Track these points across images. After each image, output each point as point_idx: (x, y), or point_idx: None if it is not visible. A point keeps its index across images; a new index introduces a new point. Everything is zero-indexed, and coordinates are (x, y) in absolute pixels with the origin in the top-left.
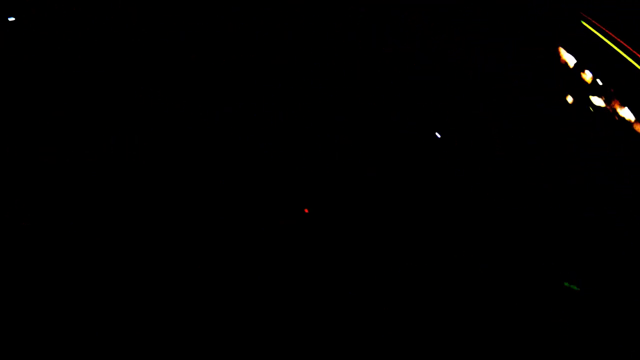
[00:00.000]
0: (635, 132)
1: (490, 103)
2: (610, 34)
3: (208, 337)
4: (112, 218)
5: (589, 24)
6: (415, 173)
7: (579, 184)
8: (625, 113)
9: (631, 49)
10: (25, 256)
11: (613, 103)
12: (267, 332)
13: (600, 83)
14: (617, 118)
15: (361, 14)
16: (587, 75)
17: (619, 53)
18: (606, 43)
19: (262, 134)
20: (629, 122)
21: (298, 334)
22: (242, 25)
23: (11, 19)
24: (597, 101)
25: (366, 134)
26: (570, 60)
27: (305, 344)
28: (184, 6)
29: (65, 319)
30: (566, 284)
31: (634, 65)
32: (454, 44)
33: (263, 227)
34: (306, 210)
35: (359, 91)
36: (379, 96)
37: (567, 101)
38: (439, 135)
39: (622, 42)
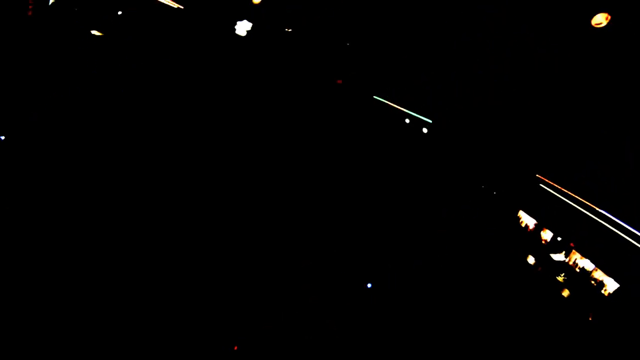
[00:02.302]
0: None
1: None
2: (566, 191)
3: (208, 336)
4: (110, 217)
5: (546, 185)
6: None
7: None
8: (585, 263)
9: (588, 203)
10: (23, 255)
11: (573, 256)
12: (265, 329)
13: (559, 239)
14: (578, 270)
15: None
16: (547, 235)
17: (575, 208)
18: (562, 200)
19: (261, 134)
20: (588, 271)
21: (297, 331)
22: (241, 24)
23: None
24: (558, 257)
25: (364, 133)
26: (530, 222)
27: (304, 342)
28: (182, 10)
29: (62, 318)
30: None
31: (590, 217)
32: None
33: (262, 227)
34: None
35: (356, 92)
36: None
37: (528, 262)
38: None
39: (578, 197)
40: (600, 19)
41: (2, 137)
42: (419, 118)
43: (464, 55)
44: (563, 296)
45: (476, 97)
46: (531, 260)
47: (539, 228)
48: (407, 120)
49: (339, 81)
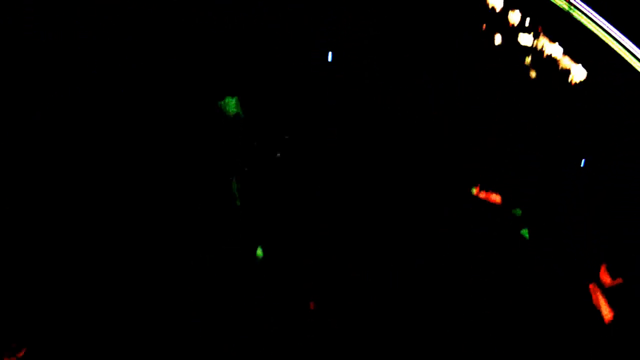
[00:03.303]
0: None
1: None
2: None
3: (208, 334)
4: (108, 218)
5: None
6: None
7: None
8: (553, 49)
9: None
10: (22, 254)
11: (541, 40)
12: (266, 329)
13: (527, 22)
14: (545, 55)
15: None
16: (515, 16)
17: None
18: None
19: (261, 135)
20: (555, 59)
21: (298, 330)
22: (240, 25)
23: None
24: (525, 40)
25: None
26: (497, 3)
27: (306, 341)
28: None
29: (60, 318)
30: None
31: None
32: None
33: (260, 226)
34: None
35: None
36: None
37: (494, 42)
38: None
39: None
40: None
41: None
42: None
43: None
44: (531, 78)
45: None
46: (498, 39)
47: (506, 9)
48: None
49: None
